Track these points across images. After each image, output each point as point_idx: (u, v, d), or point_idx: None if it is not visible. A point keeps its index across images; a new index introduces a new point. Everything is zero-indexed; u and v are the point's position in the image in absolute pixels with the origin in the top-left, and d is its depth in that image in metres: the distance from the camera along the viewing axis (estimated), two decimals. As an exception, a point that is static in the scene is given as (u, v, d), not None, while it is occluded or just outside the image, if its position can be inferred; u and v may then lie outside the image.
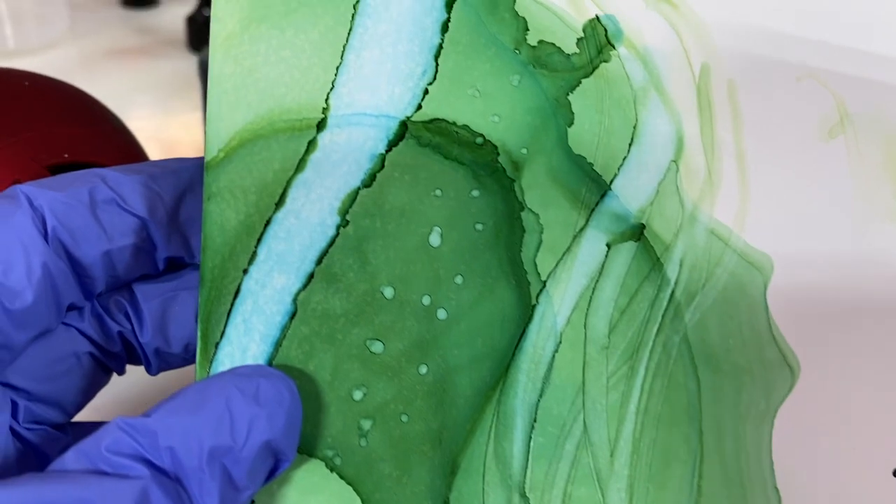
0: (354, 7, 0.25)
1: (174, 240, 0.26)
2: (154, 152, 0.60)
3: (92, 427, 0.22)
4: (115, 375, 0.28)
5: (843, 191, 0.26)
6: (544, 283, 0.25)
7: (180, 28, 0.72)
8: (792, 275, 0.25)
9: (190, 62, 0.69)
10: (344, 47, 0.25)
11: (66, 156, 0.33)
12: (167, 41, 0.74)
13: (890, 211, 0.26)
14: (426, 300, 0.25)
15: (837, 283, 0.25)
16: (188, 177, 0.26)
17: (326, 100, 0.25)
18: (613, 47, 0.26)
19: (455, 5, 0.25)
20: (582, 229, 0.25)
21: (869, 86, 0.26)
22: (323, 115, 0.25)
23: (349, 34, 0.25)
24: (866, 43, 0.27)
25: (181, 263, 0.27)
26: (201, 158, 0.26)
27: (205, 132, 0.25)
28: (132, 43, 0.74)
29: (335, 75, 0.25)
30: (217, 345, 0.24)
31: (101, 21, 0.77)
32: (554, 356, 0.25)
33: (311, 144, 0.25)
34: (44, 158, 0.32)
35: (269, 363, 0.24)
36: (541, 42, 0.25)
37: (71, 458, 0.20)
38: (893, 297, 0.26)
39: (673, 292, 0.25)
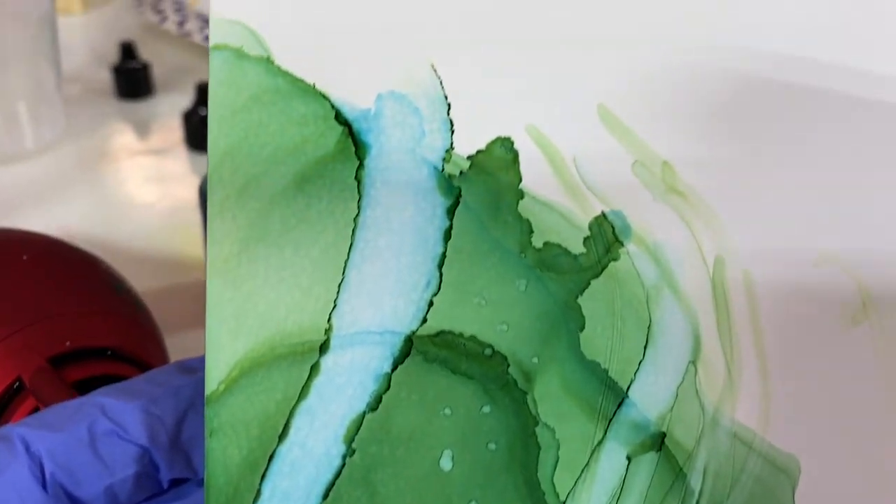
0: (355, 221, 0.24)
1: (177, 461, 0.25)
2: (154, 252, 0.59)
3: None
4: None
5: (870, 381, 0.25)
6: (563, 503, 0.24)
7: (177, 122, 0.72)
8: (822, 476, 0.24)
9: (188, 160, 0.69)
10: (345, 263, 0.24)
11: (67, 343, 0.32)
12: (164, 136, 0.73)
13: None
14: (440, 529, 0.24)
15: (873, 484, 0.24)
16: (189, 394, 0.26)
17: (329, 319, 0.24)
18: (622, 244, 0.25)
19: (457, 211, 0.25)
20: (600, 442, 0.24)
21: (891, 268, 0.25)
22: (326, 337, 0.24)
23: (350, 249, 0.24)
24: (884, 222, 0.26)
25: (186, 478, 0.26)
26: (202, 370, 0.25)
27: (205, 360, 0.24)
28: (129, 140, 0.74)
29: (337, 293, 0.24)
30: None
31: (97, 117, 0.76)
32: (573, 581, 0.24)
33: (314, 369, 0.24)
34: (44, 350, 0.31)
35: None
36: (546, 244, 0.25)
37: None
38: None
39: (698, 503, 0.24)
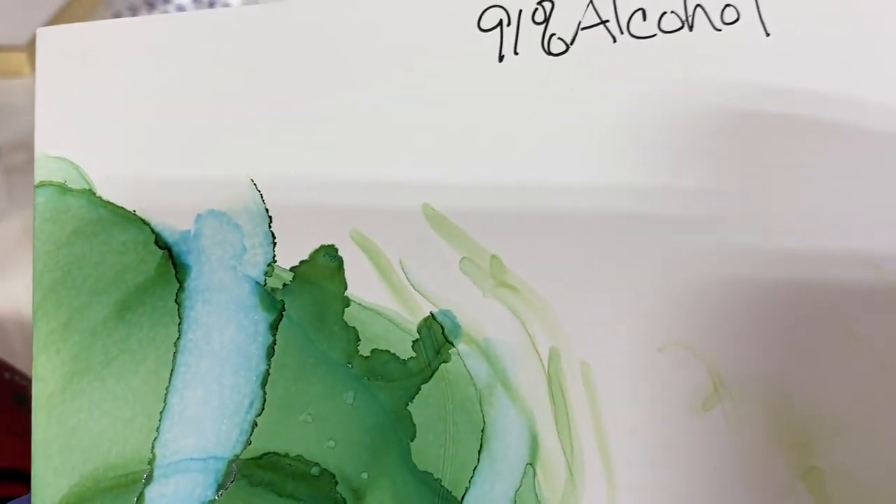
0: (176, 345, 0.24)
1: None
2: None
3: None
4: None
5: (727, 469, 0.23)
6: None
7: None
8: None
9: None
10: (167, 390, 0.24)
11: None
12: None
13: (784, 485, 0.23)
14: None
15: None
16: None
17: (152, 449, 0.24)
18: (452, 345, 0.24)
19: (280, 326, 0.24)
20: (435, 555, 0.23)
21: (742, 350, 0.24)
22: (149, 467, 0.24)
23: (171, 375, 0.24)
24: (738, 304, 0.24)
25: None
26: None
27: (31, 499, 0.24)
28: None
29: (160, 421, 0.24)
30: None
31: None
32: None
33: (139, 500, 0.23)
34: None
35: None
36: (374, 351, 0.24)
37: None
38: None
39: None
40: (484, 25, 0.25)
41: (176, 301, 0.24)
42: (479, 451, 0.23)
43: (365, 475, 0.23)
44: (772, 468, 0.23)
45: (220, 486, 0.23)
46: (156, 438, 0.23)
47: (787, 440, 0.23)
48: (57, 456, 0.23)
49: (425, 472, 0.23)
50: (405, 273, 0.24)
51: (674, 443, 0.23)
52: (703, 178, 0.24)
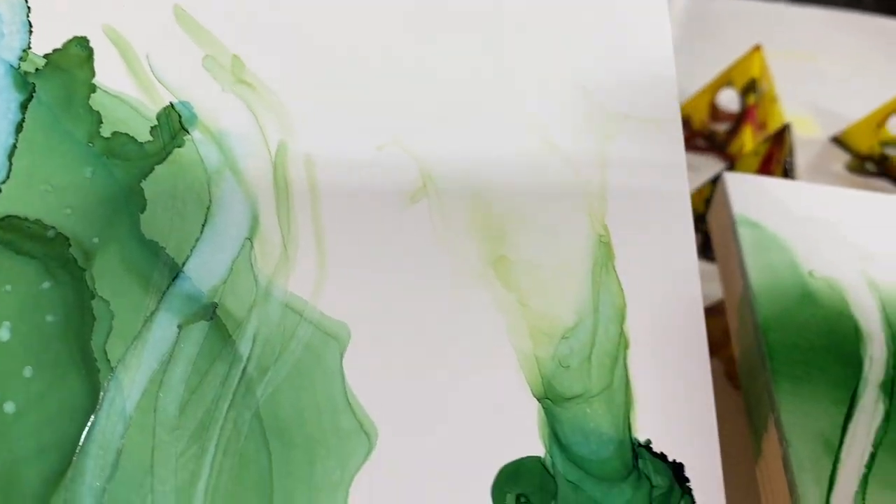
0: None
1: None
2: None
3: None
4: None
5: (428, 255, 0.26)
6: (113, 369, 0.25)
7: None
8: (372, 341, 0.26)
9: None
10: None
11: None
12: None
13: (475, 270, 0.26)
14: (-6, 397, 0.25)
15: (419, 346, 0.26)
16: None
17: None
18: (188, 132, 0.26)
19: (30, 106, 0.26)
20: (153, 313, 0.25)
21: (451, 149, 0.27)
22: None
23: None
24: (447, 108, 0.27)
25: None
26: None
27: None
28: None
29: None
30: None
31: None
32: (122, 441, 0.25)
33: None
34: None
35: None
36: (115, 133, 0.26)
37: None
38: (479, 359, 0.26)
39: (245, 368, 0.25)
40: None
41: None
42: (203, 226, 0.26)
43: (96, 240, 0.26)
44: (467, 255, 0.26)
45: (-40, 244, 0.25)
46: None
47: (481, 232, 0.26)
48: None
49: (152, 240, 0.26)
50: (150, 66, 0.27)
51: (383, 230, 0.26)
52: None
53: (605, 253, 0.27)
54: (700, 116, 0.55)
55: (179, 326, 0.25)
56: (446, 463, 0.25)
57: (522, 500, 0.25)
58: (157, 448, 0.24)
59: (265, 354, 0.25)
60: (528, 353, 0.26)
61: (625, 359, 0.26)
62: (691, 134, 0.55)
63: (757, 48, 0.53)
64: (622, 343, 0.26)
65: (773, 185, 0.35)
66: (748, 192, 0.34)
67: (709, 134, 0.55)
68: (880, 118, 0.53)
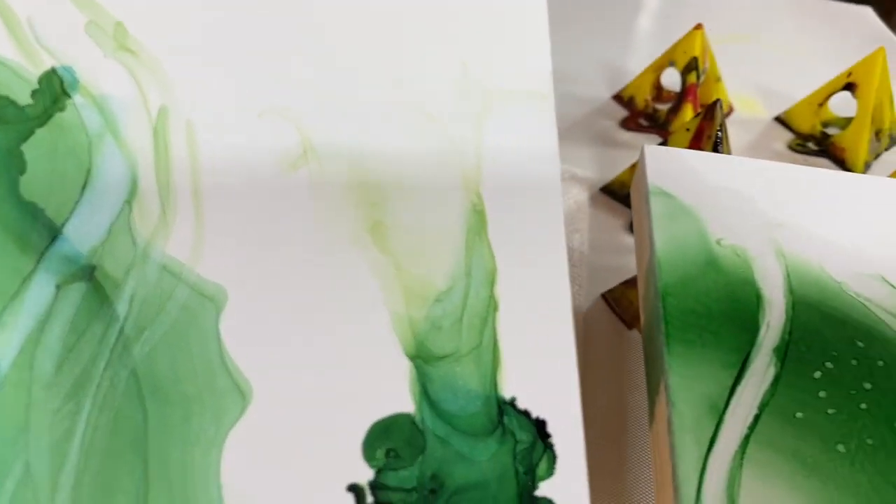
0: None
1: None
2: None
3: None
4: None
5: (306, 222, 0.27)
6: (-11, 328, 0.25)
7: None
8: (248, 303, 0.26)
9: None
10: None
11: None
12: None
13: (353, 235, 0.27)
14: None
15: (295, 308, 0.27)
16: None
17: None
18: (69, 96, 0.27)
19: None
20: (31, 273, 0.26)
21: (332, 119, 0.28)
22: None
23: None
24: (328, 79, 0.28)
25: None
26: None
27: None
28: None
29: None
30: None
31: None
32: (-4, 400, 0.25)
33: None
34: None
35: None
36: (-5, 97, 0.27)
37: None
38: (353, 321, 0.27)
39: (122, 328, 0.26)
40: None
41: None
42: (83, 188, 0.26)
43: (-29, 203, 0.26)
44: (345, 221, 0.27)
45: None
46: None
47: (360, 199, 0.27)
48: None
49: (31, 202, 0.26)
50: (32, 30, 0.27)
51: (262, 196, 0.27)
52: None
53: (478, 220, 0.28)
54: (643, 96, 0.56)
55: (58, 287, 0.26)
56: (320, 420, 0.26)
57: (392, 454, 0.26)
58: (32, 405, 0.25)
59: (142, 315, 0.26)
60: (402, 314, 0.27)
61: (494, 320, 0.27)
62: (635, 113, 0.56)
63: (698, 27, 0.53)
64: (492, 305, 0.27)
65: (690, 157, 0.36)
66: (665, 164, 0.35)
67: (651, 113, 0.56)
68: (821, 98, 0.54)
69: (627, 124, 0.55)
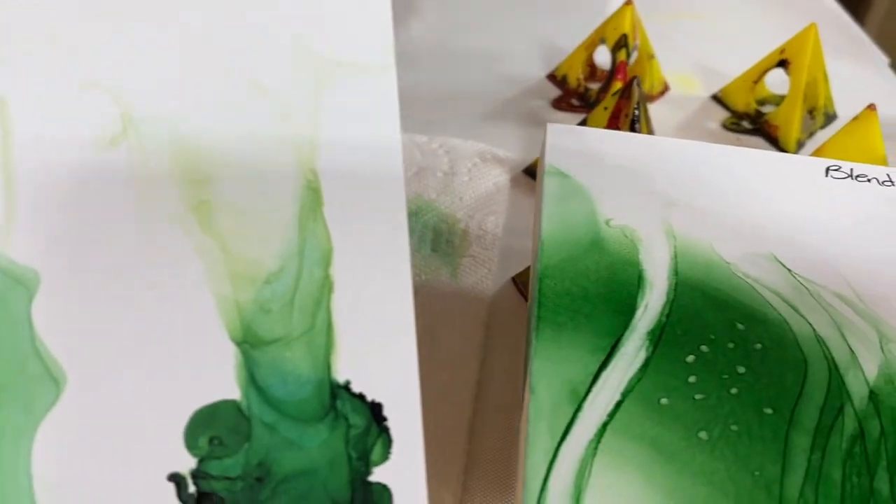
0: None
1: None
2: None
3: None
4: None
5: (125, 200, 0.26)
6: None
7: None
8: (62, 287, 0.25)
9: None
10: None
11: None
12: None
13: (175, 217, 0.26)
14: None
15: (113, 292, 0.25)
16: None
17: None
18: None
19: None
20: None
21: (154, 93, 0.26)
22: None
23: None
24: (151, 52, 0.27)
25: None
26: None
27: None
28: None
29: None
30: None
31: None
32: None
33: None
34: None
35: None
36: None
37: None
38: (174, 305, 0.25)
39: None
40: None
41: None
42: None
43: None
44: (167, 200, 0.26)
45: None
46: None
47: (184, 176, 0.26)
48: None
49: None
50: None
51: (78, 173, 0.26)
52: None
53: (313, 198, 0.26)
54: (575, 75, 0.54)
55: None
56: (138, 409, 0.24)
57: (216, 441, 0.25)
58: None
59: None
60: (228, 297, 0.25)
61: (328, 302, 0.26)
62: (567, 93, 0.55)
63: (628, 3, 0.51)
64: (327, 287, 0.26)
65: (590, 135, 0.34)
66: (565, 143, 0.33)
67: (583, 92, 0.54)
68: (756, 75, 0.53)
69: (559, 104, 0.54)
